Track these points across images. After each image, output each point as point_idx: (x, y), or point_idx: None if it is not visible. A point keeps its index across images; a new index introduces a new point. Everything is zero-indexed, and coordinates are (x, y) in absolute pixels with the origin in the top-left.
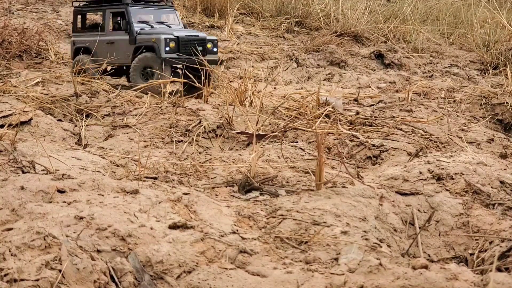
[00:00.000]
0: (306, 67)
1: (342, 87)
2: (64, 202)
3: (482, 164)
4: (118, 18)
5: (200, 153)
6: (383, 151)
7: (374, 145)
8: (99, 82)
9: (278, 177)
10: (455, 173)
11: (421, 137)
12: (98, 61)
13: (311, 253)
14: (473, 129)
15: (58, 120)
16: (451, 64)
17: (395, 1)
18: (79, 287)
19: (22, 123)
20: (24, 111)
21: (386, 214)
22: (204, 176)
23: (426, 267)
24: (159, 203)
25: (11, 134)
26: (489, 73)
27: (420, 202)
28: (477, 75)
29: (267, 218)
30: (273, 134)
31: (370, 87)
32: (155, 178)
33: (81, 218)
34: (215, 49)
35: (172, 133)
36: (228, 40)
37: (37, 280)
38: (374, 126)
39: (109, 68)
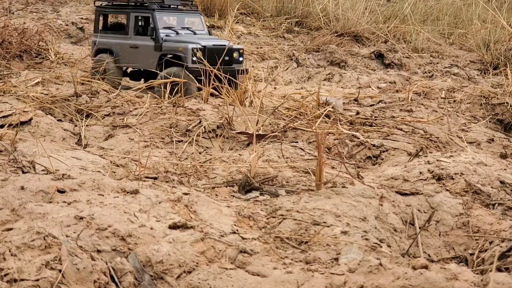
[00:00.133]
0: (306, 67)
1: (342, 87)
2: (64, 202)
3: (482, 164)
4: (143, 22)
5: (200, 153)
6: (383, 151)
7: (374, 145)
8: (99, 82)
9: (278, 177)
10: (455, 173)
11: (421, 137)
12: (120, 63)
13: (311, 253)
14: (473, 129)
15: (58, 120)
16: (451, 64)
17: (395, 1)
18: (79, 287)
19: (22, 123)
20: (24, 111)
21: (386, 214)
22: (204, 176)
23: (426, 267)
24: (159, 203)
25: (11, 134)
26: (489, 73)
27: (420, 202)
28: (477, 75)
29: (267, 218)
30: (273, 134)
31: (370, 87)
32: (155, 178)
33: (81, 218)
34: (241, 59)
35: (172, 133)
36: (228, 40)
37: (37, 280)
38: (374, 126)
39: (129, 69)
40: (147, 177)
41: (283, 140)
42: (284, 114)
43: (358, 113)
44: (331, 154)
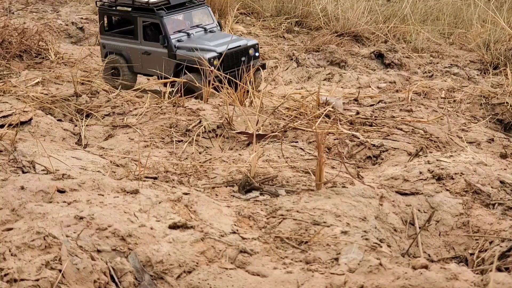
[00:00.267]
0: (306, 67)
1: (342, 87)
2: (64, 202)
3: (482, 164)
4: (151, 28)
5: (200, 153)
6: (383, 151)
7: (374, 145)
8: (99, 82)
9: (278, 177)
10: (455, 173)
11: (421, 137)
12: (133, 68)
13: (311, 253)
14: (473, 129)
15: (58, 120)
16: (451, 64)
17: (395, 0)
18: (79, 287)
19: (22, 123)
20: (24, 111)
21: (386, 214)
22: (204, 176)
23: (426, 267)
24: (159, 203)
25: (11, 134)
26: (489, 73)
27: (420, 202)
28: (477, 75)
29: (267, 218)
30: (273, 134)
31: (370, 87)
32: (155, 178)
33: (81, 218)
34: (257, 54)
35: (172, 133)
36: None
37: (37, 280)
38: (374, 126)
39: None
40: (147, 177)
41: (283, 140)
42: (284, 114)
43: (358, 113)
44: (331, 154)
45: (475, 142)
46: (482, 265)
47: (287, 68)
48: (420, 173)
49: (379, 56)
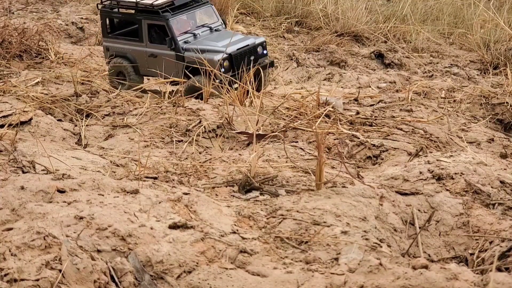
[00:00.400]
0: (306, 67)
1: (342, 87)
2: (64, 202)
3: (482, 164)
4: (156, 30)
5: (200, 153)
6: (383, 151)
7: (374, 145)
8: (99, 82)
9: (278, 177)
10: (455, 173)
11: (421, 137)
12: (140, 71)
13: (311, 253)
14: (473, 129)
15: (58, 120)
16: (451, 64)
17: (395, 0)
18: (79, 287)
19: (22, 123)
20: (24, 111)
21: (386, 214)
22: (204, 176)
23: (426, 267)
24: (159, 203)
25: (11, 134)
26: (489, 73)
27: (420, 202)
28: (477, 75)
29: (267, 218)
30: (273, 134)
31: (370, 87)
32: (155, 178)
33: (81, 218)
34: (265, 52)
35: (172, 133)
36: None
37: (37, 280)
38: (374, 126)
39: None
40: (147, 177)
41: (283, 140)
42: (284, 114)
43: (358, 113)
44: (331, 154)
45: (475, 142)
46: (482, 265)
47: (287, 68)
48: (420, 173)
49: (379, 56)
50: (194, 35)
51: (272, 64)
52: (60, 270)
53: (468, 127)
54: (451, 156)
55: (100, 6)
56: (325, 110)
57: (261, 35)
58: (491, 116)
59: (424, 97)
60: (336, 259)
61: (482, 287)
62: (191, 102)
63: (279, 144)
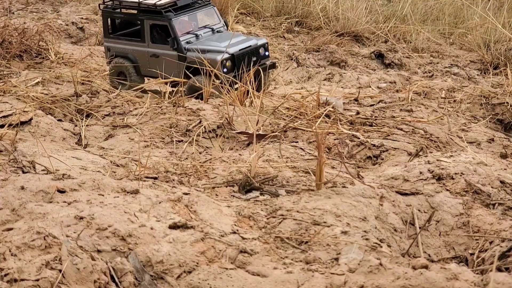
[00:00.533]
0: (306, 67)
1: (342, 87)
2: (64, 202)
3: (482, 164)
4: (158, 30)
5: (200, 153)
6: (383, 151)
7: (374, 145)
8: (99, 82)
9: (278, 177)
10: (455, 173)
11: (421, 137)
12: (141, 71)
13: (311, 253)
14: (473, 129)
15: (58, 120)
16: (451, 64)
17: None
18: (79, 287)
19: (22, 123)
20: (24, 111)
21: (386, 214)
22: (204, 176)
23: (426, 267)
24: (159, 203)
25: (11, 134)
26: (489, 73)
27: (420, 202)
28: (477, 75)
29: (267, 218)
30: (273, 134)
31: (370, 87)
32: (155, 178)
33: (81, 218)
34: (267, 53)
35: (172, 133)
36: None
37: (37, 280)
38: (374, 126)
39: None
40: (147, 177)
41: (279, 141)
42: (284, 114)
43: (358, 113)
44: (331, 154)
45: (475, 142)
46: (482, 265)
47: (287, 68)
48: (420, 173)
49: (379, 56)
50: (196, 36)
51: (273, 65)
52: (60, 270)
53: (468, 127)
54: (451, 156)
55: (102, 6)
56: (325, 110)
57: (261, 35)
58: (491, 116)
59: (424, 97)
60: (336, 259)
61: (482, 287)
62: (191, 102)
63: (279, 144)
